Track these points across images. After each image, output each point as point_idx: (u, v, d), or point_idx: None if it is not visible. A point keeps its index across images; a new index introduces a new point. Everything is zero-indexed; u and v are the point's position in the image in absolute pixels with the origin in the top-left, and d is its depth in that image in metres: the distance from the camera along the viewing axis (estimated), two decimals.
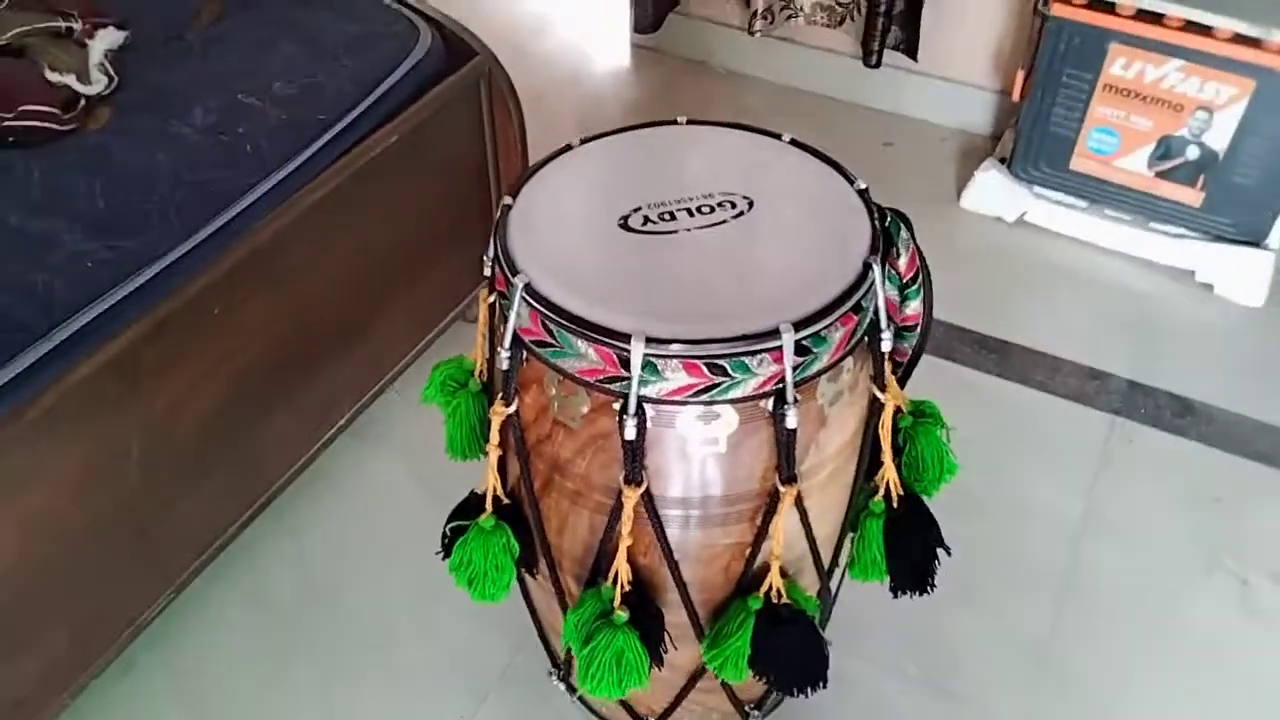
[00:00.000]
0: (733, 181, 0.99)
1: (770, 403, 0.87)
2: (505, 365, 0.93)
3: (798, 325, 0.84)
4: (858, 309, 0.89)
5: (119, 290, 1.12)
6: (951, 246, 2.02)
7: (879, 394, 0.97)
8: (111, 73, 1.36)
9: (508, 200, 0.97)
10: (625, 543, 0.93)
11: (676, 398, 0.86)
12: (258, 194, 1.25)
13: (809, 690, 1.00)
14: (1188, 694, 1.33)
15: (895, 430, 1.08)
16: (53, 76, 1.31)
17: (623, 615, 0.95)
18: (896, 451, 1.08)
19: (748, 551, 0.98)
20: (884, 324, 0.92)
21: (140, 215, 1.19)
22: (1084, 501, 1.54)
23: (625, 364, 0.84)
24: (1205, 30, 1.69)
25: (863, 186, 0.98)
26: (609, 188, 0.99)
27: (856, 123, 2.34)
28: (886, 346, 0.94)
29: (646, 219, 0.94)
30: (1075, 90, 1.85)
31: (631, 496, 0.90)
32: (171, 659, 1.35)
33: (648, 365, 0.84)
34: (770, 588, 0.96)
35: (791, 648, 0.97)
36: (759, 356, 0.84)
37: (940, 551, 1.07)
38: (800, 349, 0.85)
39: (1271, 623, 1.39)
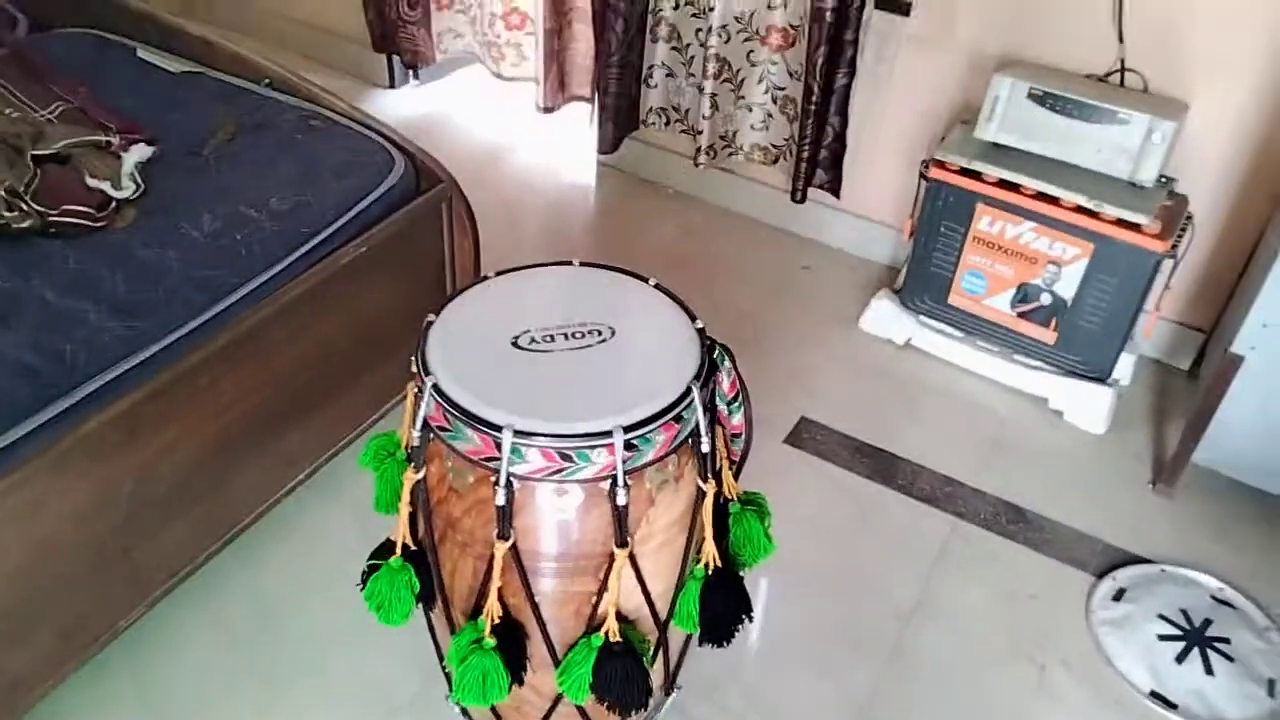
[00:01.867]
0: (603, 314, 1.30)
1: (607, 484, 1.17)
2: (416, 442, 1.23)
3: (627, 429, 1.14)
4: (679, 419, 1.19)
5: (129, 361, 1.43)
6: (848, 363, 2.33)
7: (701, 484, 1.26)
8: (139, 181, 1.69)
9: (430, 318, 1.28)
10: (495, 584, 1.22)
11: (536, 475, 1.15)
12: (247, 290, 1.57)
13: (634, 710, 1.27)
14: None
15: (725, 514, 1.38)
16: (91, 182, 1.63)
17: (490, 642, 1.24)
18: (724, 531, 1.37)
19: (594, 599, 1.26)
20: (703, 431, 1.22)
21: (151, 302, 1.49)
22: (919, 589, 1.82)
23: (499, 447, 1.14)
24: (1053, 200, 2.02)
25: (700, 326, 1.29)
26: (508, 313, 1.29)
27: (782, 245, 2.68)
28: (705, 448, 1.23)
29: (533, 339, 1.25)
30: (950, 239, 2.18)
31: (501, 548, 1.19)
32: (138, 663, 1.62)
33: (515, 450, 1.14)
34: (607, 630, 1.25)
35: (621, 677, 1.25)
36: (597, 449, 1.14)
37: (751, 617, 1.35)
38: (629, 445, 1.15)
39: (1059, 701, 1.66)
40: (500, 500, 1.16)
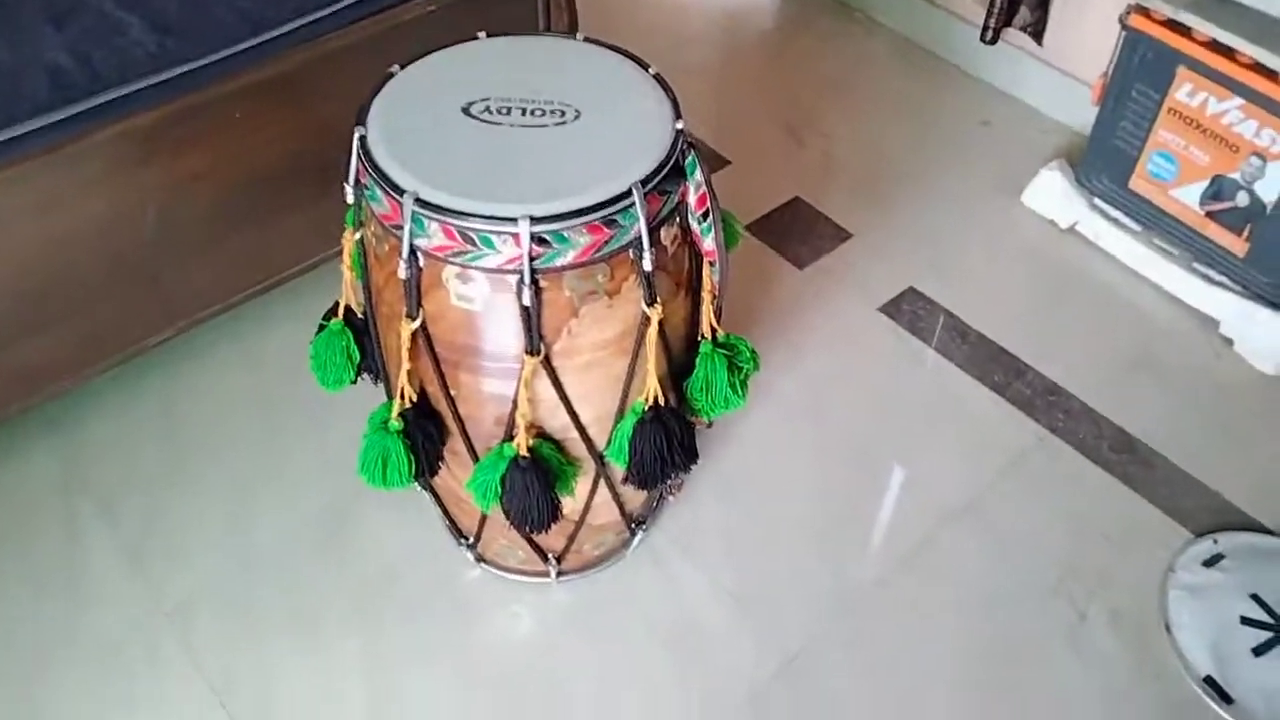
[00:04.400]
0: (577, 95, 1.13)
1: (515, 279, 1.05)
2: (351, 199, 1.15)
3: (540, 219, 1.00)
4: (610, 223, 1.03)
5: (152, 77, 1.42)
6: (992, 238, 2.02)
7: (646, 308, 1.11)
8: None
9: (393, 69, 1.17)
10: (404, 366, 1.14)
11: (438, 253, 1.05)
12: (288, 28, 1.50)
13: (535, 529, 1.18)
14: (964, 700, 1.39)
15: (694, 351, 1.22)
16: None
17: (397, 425, 1.17)
18: (687, 370, 1.22)
19: (511, 407, 1.16)
20: (646, 246, 1.06)
21: (190, 23, 1.46)
22: (973, 495, 1.58)
23: (403, 214, 1.03)
24: (1271, 74, 1.60)
25: (680, 126, 1.10)
26: (476, 76, 1.16)
27: (966, 93, 2.33)
28: (647, 266, 1.07)
29: (487, 108, 1.12)
30: (1142, 107, 1.79)
31: (406, 328, 1.11)
32: (168, 378, 1.70)
33: (416, 220, 1.03)
34: (518, 441, 1.15)
35: (520, 491, 1.15)
36: (502, 237, 1.01)
37: (688, 468, 1.21)
38: (541, 240, 1.01)
39: (1085, 657, 1.41)
40: (403, 274, 1.07)
